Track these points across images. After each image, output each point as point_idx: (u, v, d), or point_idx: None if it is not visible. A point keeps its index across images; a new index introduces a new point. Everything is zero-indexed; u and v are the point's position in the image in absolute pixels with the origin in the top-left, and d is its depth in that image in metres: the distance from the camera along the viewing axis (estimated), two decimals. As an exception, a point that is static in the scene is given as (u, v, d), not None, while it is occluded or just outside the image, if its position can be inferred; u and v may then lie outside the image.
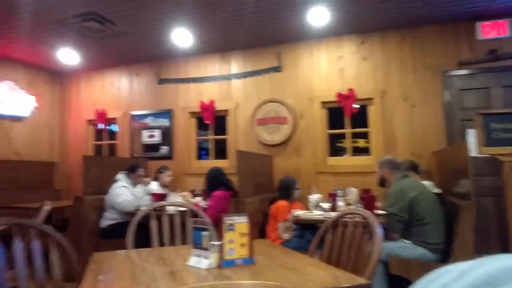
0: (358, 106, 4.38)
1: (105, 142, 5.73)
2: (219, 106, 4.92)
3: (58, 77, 5.84)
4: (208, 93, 5.00)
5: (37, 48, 4.73)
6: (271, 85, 4.70)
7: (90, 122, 5.74)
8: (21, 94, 5.20)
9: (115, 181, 3.76)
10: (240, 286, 0.54)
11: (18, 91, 5.16)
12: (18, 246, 1.46)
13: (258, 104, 4.67)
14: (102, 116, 5.56)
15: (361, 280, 1.28)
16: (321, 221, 2.80)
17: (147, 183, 3.79)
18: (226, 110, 4.90)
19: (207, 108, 4.93)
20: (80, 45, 4.61)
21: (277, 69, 4.68)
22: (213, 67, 5.02)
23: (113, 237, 3.48)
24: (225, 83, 4.94)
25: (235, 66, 4.91)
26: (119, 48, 4.76)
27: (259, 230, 3.41)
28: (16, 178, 4.96)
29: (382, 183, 3.03)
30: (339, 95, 4.34)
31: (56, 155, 5.75)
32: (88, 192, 3.74)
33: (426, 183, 3.15)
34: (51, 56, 4.95)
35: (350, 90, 4.30)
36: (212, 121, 4.98)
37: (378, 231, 1.63)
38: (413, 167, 3.46)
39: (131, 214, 3.35)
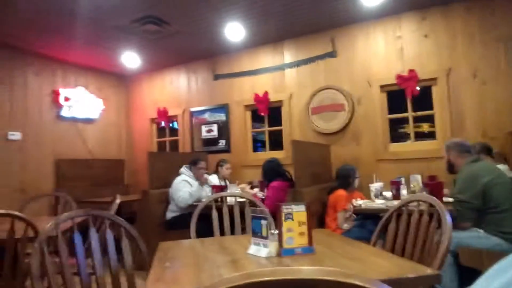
0: (420, 87, 4.10)
1: (167, 138, 6.04)
2: (273, 97, 4.92)
3: (122, 80, 6.25)
4: (262, 85, 5.02)
5: (103, 54, 5.10)
6: (326, 71, 4.59)
7: (153, 120, 6.08)
8: (92, 98, 5.66)
9: (178, 174, 3.96)
10: (300, 272, 0.53)
11: (89, 96, 5.62)
12: (94, 236, 1.60)
13: (312, 92, 4.59)
14: (163, 114, 5.85)
15: (429, 271, 1.20)
16: (383, 210, 2.69)
17: (204, 181, 3.91)
18: (280, 101, 4.89)
19: (261, 100, 4.96)
20: (141, 48, 4.88)
21: (331, 55, 4.55)
22: (266, 58, 5.02)
23: (178, 228, 3.66)
24: (279, 74, 4.92)
25: (288, 55, 4.87)
26: (176, 47, 4.96)
27: (318, 220, 3.37)
28: (90, 175, 5.44)
29: (451, 168, 2.81)
30: (399, 77, 4.11)
31: (123, 153, 6.19)
32: (154, 186, 3.97)
33: (501, 166, 2.87)
34: (116, 61, 5.31)
35: (411, 71, 4.04)
36: (267, 112, 5.00)
37: (447, 219, 1.52)
38: (486, 150, 3.17)
39: (193, 206, 3.51)
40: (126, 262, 1.64)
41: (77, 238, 1.55)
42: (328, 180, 4.01)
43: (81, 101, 5.48)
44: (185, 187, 3.81)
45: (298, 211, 1.53)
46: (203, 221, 2.24)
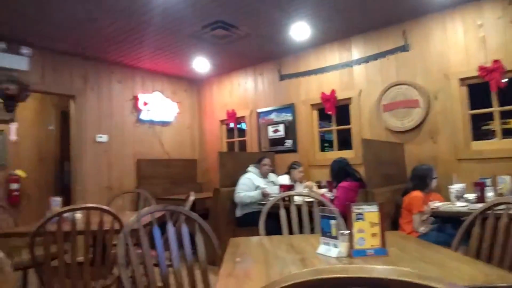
0: (507, 79, 3.69)
1: (236, 139, 6.22)
2: (341, 95, 4.79)
3: (194, 84, 6.59)
4: (329, 83, 4.92)
5: (176, 60, 5.43)
6: (397, 66, 4.35)
7: (222, 122, 6.31)
8: (167, 102, 6.05)
9: (245, 172, 4.13)
10: (373, 270, 0.52)
11: (165, 100, 6.03)
12: (171, 230, 1.71)
13: (383, 88, 4.39)
14: (232, 116, 6.05)
15: (522, 280, 1.08)
16: (465, 214, 2.47)
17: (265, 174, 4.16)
18: (348, 99, 4.75)
19: (328, 98, 4.87)
20: (210, 52, 5.10)
21: (403, 49, 4.30)
22: (332, 56, 4.92)
23: (247, 225, 3.76)
24: (346, 71, 4.79)
25: (355, 51, 4.71)
26: (243, 50, 5.09)
27: (391, 222, 3.21)
28: (167, 174, 5.83)
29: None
30: (482, 68, 3.74)
31: (196, 153, 6.52)
32: (224, 184, 4.13)
33: None
34: (188, 66, 5.61)
35: (496, 61, 3.65)
36: (334, 111, 4.89)
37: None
38: None
39: (261, 204, 3.58)
40: (200, 256, 1.72)
41: (156, 232, 1.68)
42: (402, 180, 3.79)
43: (158, 105, 5.90)
44: (243, 187, 3.99)
45: (370, 212, 1.48)
46: (272, 219, 2.27)
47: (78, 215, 2.44)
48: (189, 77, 6.37)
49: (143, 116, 5.72)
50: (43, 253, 2.04)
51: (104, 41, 4.52)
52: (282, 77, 5.46)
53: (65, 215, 2.09)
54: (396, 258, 1.41)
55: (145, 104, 5.73)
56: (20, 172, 4.79)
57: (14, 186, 4.67)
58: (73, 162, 5.02)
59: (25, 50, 4.43)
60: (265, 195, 3.87)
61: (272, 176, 4.38)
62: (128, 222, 1.62)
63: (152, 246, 1.64)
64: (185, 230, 1.75)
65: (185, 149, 6.38)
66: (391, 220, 3.23)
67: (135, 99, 5.67)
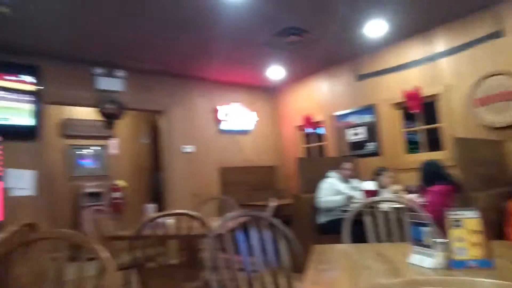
0: None
1: (314, 144, 6.14)
2: (426, 92, 4.44)
3: (269, 92, 6.69)
4: (411, 80, 4.60)
5: (251, 71, 5.59)
6: (491, 55, 3.89)
7: (299, 127, 6.29)
8: (245, 111, 6.25)
9: (326, 177, 4.07)
10: (474, 284, 0.46)
11: (243, 110, 6.23)
12: (254, 235, 1.75)
13: (476, 81, 3.96)
14: (309, 121, 6.00)
15: None
16: None
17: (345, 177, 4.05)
18: (434, 95, 4.38)
19: (412, 96, 4.54)
20: (284, 59, 5.14)
21: (497, 35, 3.84)
22: (413, 51, 4.59)
23: (329, 232, 3.67)
24: (430, 66, 4.42)
25: (439, 44, 4.34)
26: (316, 54, 5.03)
27: (494, 230, 2.85)
28: (248, 181, 5.99)
29: None
30: None
31: (275, 160, 6.59)
32: (304, 190, 4.10)
33: None
34: (262, 75, 5.73)
35: None
36: (420, 109, 4.54)
37: None
38: None
39: (344, 210, 3.47)
40: (284, 262, 1.72)
41: (240, 237, 1.72)
42: (505, 183, 3.36)
43: (237, 115, 6.12)
44: (323, 191, 3.94)
45: (469, 218, 1.33)
46: (357, 227, 2.18)
47: (170, 221, 2.62)
48: (264, 86, 6.49)
49: (224, 126, 5.97)
50: (141, 255, 2.24)
51: (186, 57, 4.85)
52: (360, 77, 5.25)
53: (158, 220, 2.26)
54: (505, 271, 1.24)
55: (225, 115, 5.98)
56: (121, 182, 5.35)
57: (116, 194, 5.23)
58: (164, 171, 5.45)
59: (120, 73, 4.96)
60: (350, 200, 3.79)
61: (355, 181, 4.22)
62: (213, 227, 1.69)
63: (236, 251, 1.69)
64: (268, 236, 1.77)
65: (264, 156, 6.50)
66: (495, 228, 2.87)
67: (216, 110, 5.95)
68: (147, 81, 5.29)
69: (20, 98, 4.08)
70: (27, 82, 4.13)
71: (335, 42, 4.64)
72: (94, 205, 4.91)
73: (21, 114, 4.08)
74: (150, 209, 3.09)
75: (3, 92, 3.99)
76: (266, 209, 2.93)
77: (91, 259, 1.33)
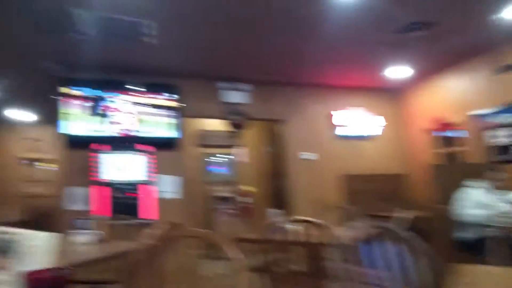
0: None
1: (449, 149, 5.49)
2: None
3: (392, 94, 6.26)
4: None
5: (369, 72, 5.37)
6: None
7: (429, 131, 5.72)
8: (365, 115, 6.01)
9: (464, 186, 3.59)
10: None
11: (362, 114, 6.01)
12: (383, 249, 1.66)
13: None
14: (441, 123, 5.41)
15: None
16: None
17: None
18: None
19: None
20: (407, 57, 4.77)
21: None
22: None
23: (471, 250, 3.21)
24: None
25: None
26: (445, 49, 4.52)
27: None
28: (373, 189, 5.69)
29: None
30: None
31: (400, 167, 6.10)
32: (439, 201, 3.70)
33: None
34: (382, 76, 5.43)
35: None
36: None
37: None
38: None
39: (490, 226, 3.00)
40: (422, 281, 1.59)
41: (366, 249, 1.66)
42: None
43: (356, 120, 5.93)
44: (459, 202, 3.48)
45: None
46: (507, 247, 1.87)
47: (295, 227, 2.68)
48: (385, 88, 6.12)
49: (341, 132, 5.86)
50: (271, 259, 2.35)
51: (301, 66, 4.96)
52: (504, 69, 4.49)
53: (282, 225, 2.34)
54: None
55: (341, 120, 5.86)
56: (250, 188, 5.74)
57: (246, 199, 5.62)
58: (287, 178, 5.63)
59: (246, 86, 5.36)
60: (500, 215, 3.24)
61: (506, 193, 3.57)
62: (337, 236, 1.68)
63: (363, 263, 1.63)
64: (403, 251, 1.66)
65: (389, 162, 6.09)
66: None
67: (332, 116, 5.87)
68: (267, 91, 5.58)
69: (165, 113, 4.77)
70: (170, 99, 4.80)
71: (468, 34, 4.09)
72: (225, 209, 5.38)
73: (167, 128, 4.77)
74: (274, 214, 3.22)
75: (152, 109, 4.72)
76: (392, 220, 2.75)
77: (222, 258, 1.46)
